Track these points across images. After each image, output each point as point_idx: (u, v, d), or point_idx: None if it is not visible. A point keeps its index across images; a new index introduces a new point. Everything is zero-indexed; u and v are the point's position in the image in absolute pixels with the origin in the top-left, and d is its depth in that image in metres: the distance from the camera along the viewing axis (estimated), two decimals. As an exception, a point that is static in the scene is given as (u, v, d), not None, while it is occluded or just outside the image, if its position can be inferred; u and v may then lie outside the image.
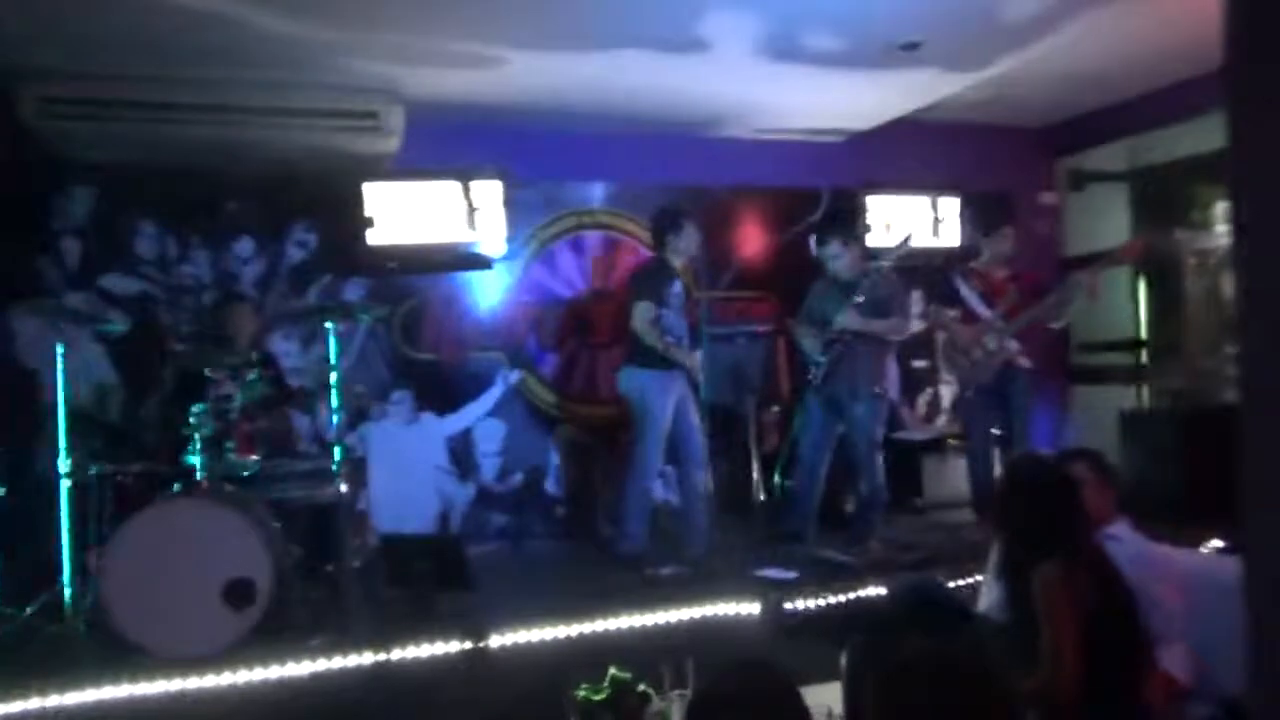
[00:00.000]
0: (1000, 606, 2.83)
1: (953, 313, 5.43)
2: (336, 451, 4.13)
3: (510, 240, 5.51)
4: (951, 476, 5.96)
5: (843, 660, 2.64)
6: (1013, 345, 5.14)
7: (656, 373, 4.78)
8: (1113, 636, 2.46)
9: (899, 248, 5.05)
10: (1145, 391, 6.70)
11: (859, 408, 4.93)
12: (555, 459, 5.94)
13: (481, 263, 5.63)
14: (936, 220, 6.33)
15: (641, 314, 4.76)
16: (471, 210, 5.38)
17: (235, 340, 4.64)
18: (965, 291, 5.33)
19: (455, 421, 5.78)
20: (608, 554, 4.94)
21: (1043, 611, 2.48)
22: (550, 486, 5.95)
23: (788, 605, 4.07)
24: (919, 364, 6.61)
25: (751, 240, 6.35)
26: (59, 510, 3.79)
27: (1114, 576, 2.55)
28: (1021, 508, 2.67)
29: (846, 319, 4.85)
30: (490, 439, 5.85)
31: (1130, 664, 2.48)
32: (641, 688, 2.87)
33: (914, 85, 5.34)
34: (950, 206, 6.35)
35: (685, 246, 4.94)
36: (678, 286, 4.93)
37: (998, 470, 5.35)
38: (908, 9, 4.30)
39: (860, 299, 4.86)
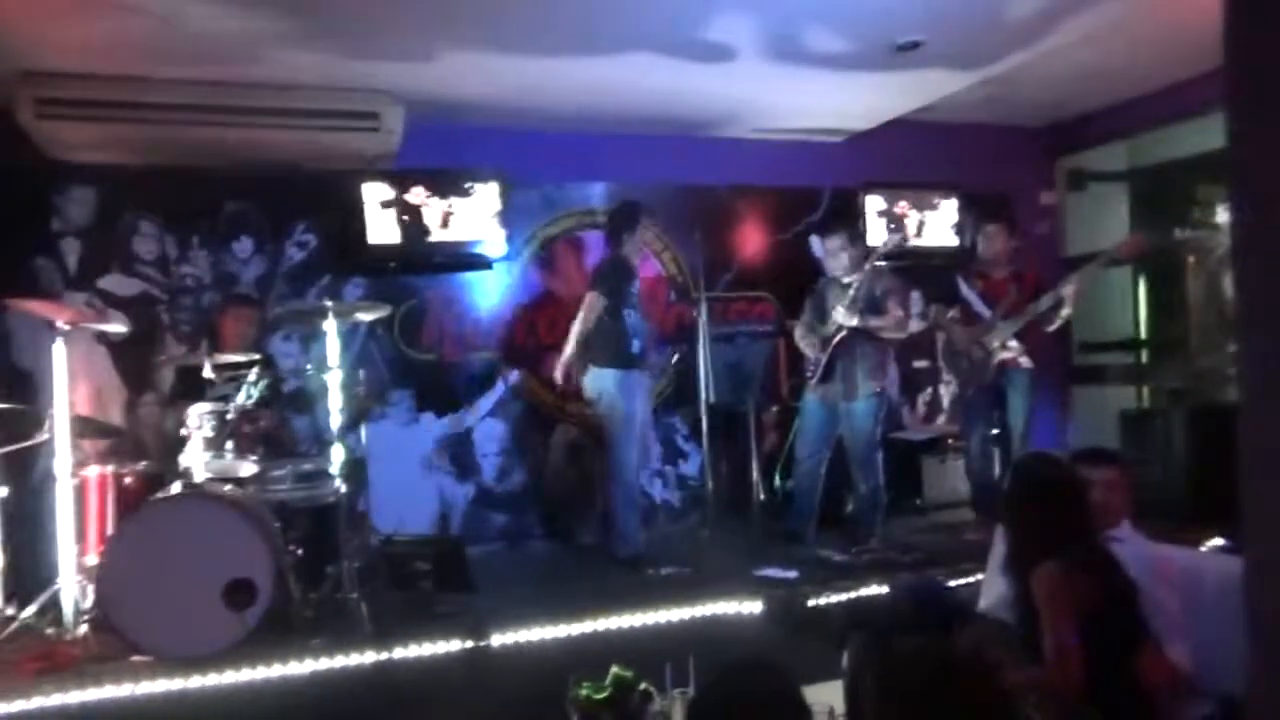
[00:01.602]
0: (1005, 604, 2.84)
1: (952, 313, 5.44)
2: (336, 451, 4.13)
3: (510, 240, 5.51)
4: (951, 476, 5.97)
5: (844, 659, 2.65)
6: (1014, 345, 5.14)
7: (626, 372, 4.80)
8: (1115, 635, 2.46)
9: (890, 242, 5.07)
10: (1145, 391, 6.71)
11: (857, 407, 4.93)
12: (553, 460, 5.92)
13: (481, 263, 5.63)
14: (936, 220, 6.33)
15: (589, 304, 4.76)
16: (471, 211, 5.38)
17: (234, 344, 4.64)
18: (966, 291, 5.33)
19: (455, 422, 5.78)
20: (606, 557, 4.94)
21: (1043, 611, 2.48)
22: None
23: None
24: (919, 364, 6.61)
25: (751, 240, 6.35)
26: (59, 510, 3.79)
27: (1116, 575, 2.55)
28: (1029, 506, 2.67)
29: (843, 316, 4.85)
30: (490, 439, 5.85)
31: (1133, 662, 2.48)
32: (643, 687, 2.86)
33: (914, 85, 5.34)
34: (950, 206, 6.35)
35: (638, 245, 4.98)
36: (637, 286, 4.95)
37: (997, 470, 5.37)
38: (908, 9, 4.30)
39: (855, 294, 4.86)
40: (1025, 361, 5.15)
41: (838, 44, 4.68)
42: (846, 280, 5.00)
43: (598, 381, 4.84)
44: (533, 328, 5.89)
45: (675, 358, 5.85)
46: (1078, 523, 2.61)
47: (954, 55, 4.93)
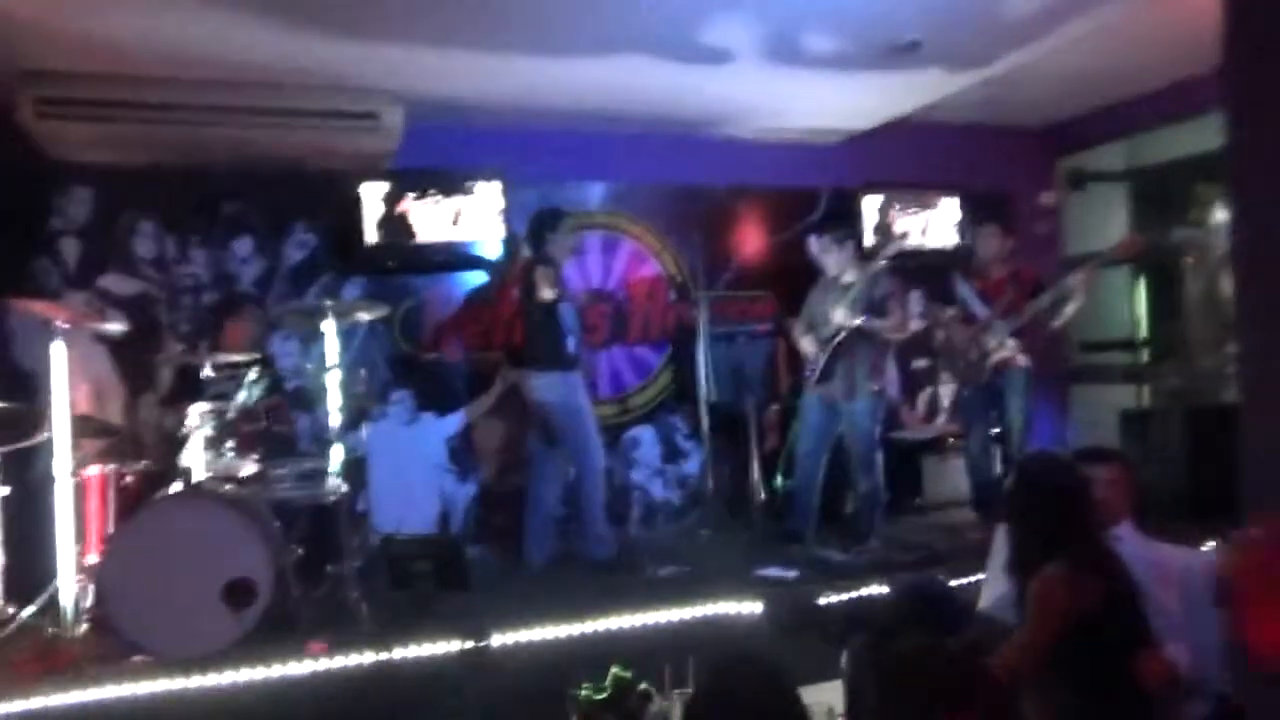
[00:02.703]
0: (1005, 604, 2.84)
1: (951, 311, 5.44)
2: (336, 451, 4.14)
3: (509, 240, 5.51)
4: (951, 476, 5.97)
5: (844, 659, 2.65)
6: (1010, 344, 5.13)
7: (566, 374, 4.81)
8: (1116, 635, 2.46)
9: (894, 244, 5.07)
10: (1145, 391, 6.71)
11: (856, 406, 4.93)
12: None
13: (481, 262, 5.63)
14: (936, 220, 6.34)
15: (543, 277, 4.72)
16: (471, 210, 5.38)
17: (240, 348, 4.62)
18: (963, 291, 5.33)
19: (455, 421, 5.78)
20: (584, 564, 4.88)
21: (1031, 609, 2.51)
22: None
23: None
24: (919, 364, 6.61)
25: (751, 240, 6.35)
26: (59, 510, 3.79)
27: (1118, 575, 2.56)
28: (1033, 506, 2.67)
29: (845, 317, 4.85)
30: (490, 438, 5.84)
31: (1133, 662, 2.49)
32: (643, 687, 2.87)
33: (914, 85, 5.34)
34: (950, 206, 6.35)
35: (565, 245, 4.96)
36: (567, 284, 4.99)
37: (997, 470, 5.37)
38: (908, 9, 4.30)
39: (857, 297, 4.86)
40: (1022, 360, 5.15)
41: (837, 45, 4.68)
42: (846, 281, 5.00)
43: (544, 387, 4.82)
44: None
45: None
46: (1081, 522, 2.61)
47: (954, 55, 4.93)
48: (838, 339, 4.91)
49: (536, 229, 4.96)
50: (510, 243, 5.57)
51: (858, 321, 4.84)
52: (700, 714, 1.96)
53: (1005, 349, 5.14)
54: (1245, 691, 1.00)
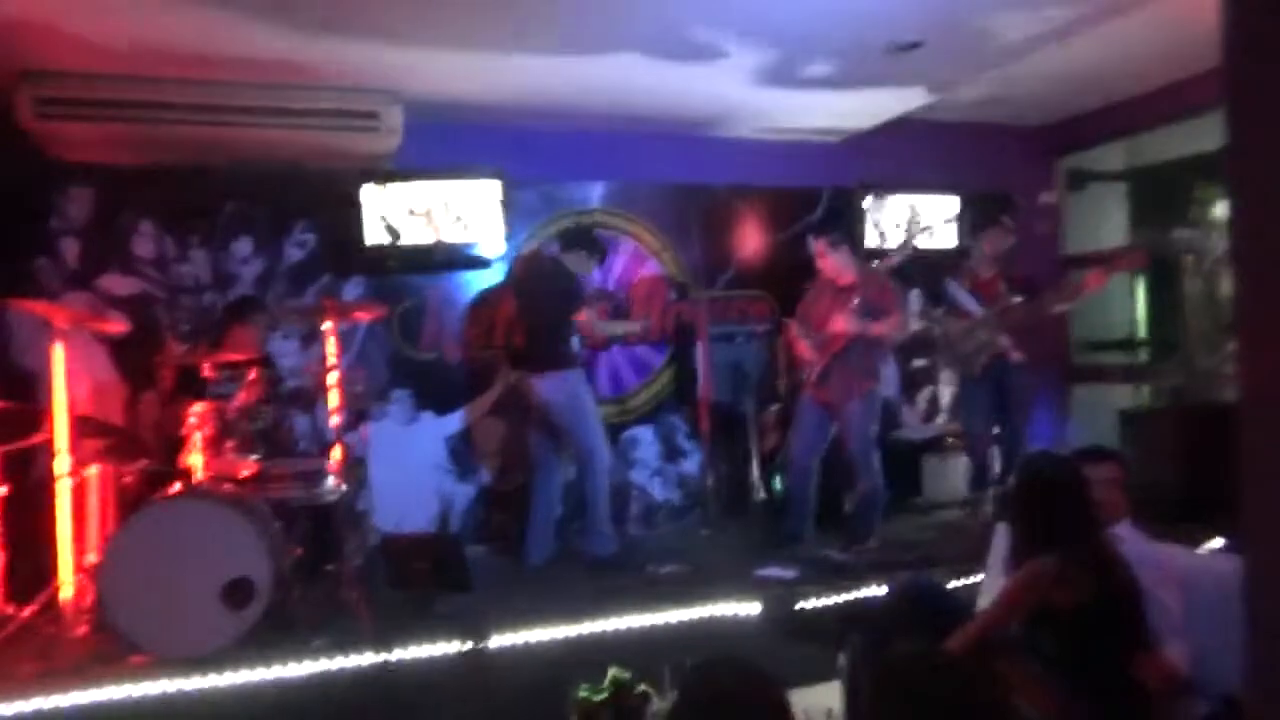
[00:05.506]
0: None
1: (943, 311, 5.45)
2: (336, 451, 4.13)
3: (509, 240, 5.51)
4: (951, 475, 5.97)
5: (841, 660, 2.65)
6: (1002, 339, 5.14)
7: (575, 370, 4.89)
8: (1114, 634, 2.46)
9: (901, 250, 5.06)
10: (1145, 390, 6.71)
11: (853, 406, 4.92)
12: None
13: (480, 262, 5.63)
14: (934, 220, 6.34)
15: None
16: (470, 209, 5.39)
17: (244, 351, 4.61)
18: (956, 292, 5.34)
19: (455, 421, 5.78)
20: (586, 563, 4.87)
21: (1008, 588, 2.53)
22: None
23: (798, 605, 4.06)
24: (919, 363, 6.61)
25: (750, 240, 6.35)
26: (59, 510, 3.79)
27: (1117, 573, 2.56)
28: (1032, 505, 2.68)
29: (843, 323, 4.84)
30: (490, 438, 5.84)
31: (1132, 661, 2.49)
32: (641, 688, 2.87)
33: (913, 85, 5.34)
34: (949, 206, 6.35)
35: (580, 266, 5.02)
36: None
37: (997, 469, 5.37)
38: (908, 10, 4.30)
39: (856, 302, 4.85)
40: (1016, 355, 5.15)
41: (837, 47, 4.68)
42: (844, 283, 4.99)
43: (547, 387, 4.83)
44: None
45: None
46: (1080, 522, 2.62)
47: (954, 55, 4.92)
48: (834, 340, 4.90)
49: (570, 240, 5.05)
50: (510, 242, 5.59)
51: (857, 329, 4.82)
52: (685, 714, 1.95)
53: (999, 344, 5.15)
54: (1252, 692, 0.99)
